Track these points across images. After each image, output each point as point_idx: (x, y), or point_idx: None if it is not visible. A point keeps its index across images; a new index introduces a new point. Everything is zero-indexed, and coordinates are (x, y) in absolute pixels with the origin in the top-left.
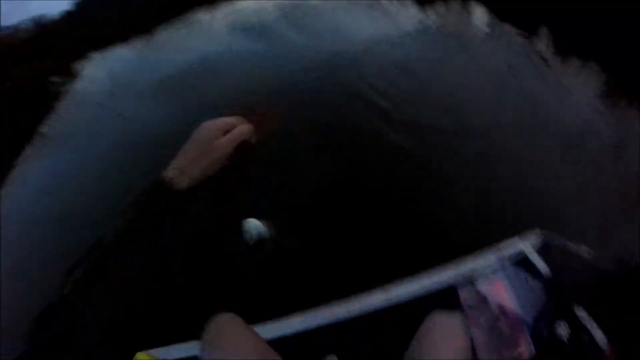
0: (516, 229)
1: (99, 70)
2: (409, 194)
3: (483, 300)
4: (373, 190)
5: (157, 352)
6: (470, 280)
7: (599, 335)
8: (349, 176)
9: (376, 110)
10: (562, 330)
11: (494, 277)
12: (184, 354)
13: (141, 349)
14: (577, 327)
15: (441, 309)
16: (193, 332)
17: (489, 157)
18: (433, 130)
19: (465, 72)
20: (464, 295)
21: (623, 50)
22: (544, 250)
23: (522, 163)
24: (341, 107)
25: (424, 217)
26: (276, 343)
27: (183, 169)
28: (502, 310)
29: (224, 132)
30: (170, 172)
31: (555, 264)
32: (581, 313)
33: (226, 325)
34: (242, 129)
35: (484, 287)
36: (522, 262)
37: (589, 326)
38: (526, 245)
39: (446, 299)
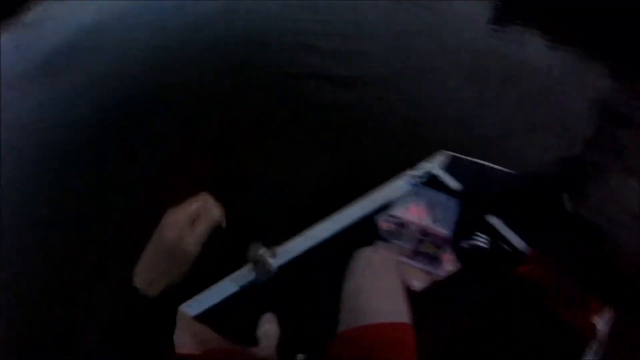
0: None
1: None
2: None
3: (402, 225)
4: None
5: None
6: (386, 208)
7: (515, 239)
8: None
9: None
10: (481, 240)
11: (408, 201)
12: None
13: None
14: (494, 235)
15: (363, 242)
16: None
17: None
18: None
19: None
20: (383, 224)
21: None
22: (451, 169)
23: (437, 91)
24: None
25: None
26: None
27: (151, 281)
28: (423, 231)
29: (191, 222)
30: (138, 283)
31: (464, 181)
32: (495, 222)
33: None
34: (212, 216)
35: (400, 212)
36: (433, 182)
37: (504, 233)
38: (434, 165)
39: (366, 230)
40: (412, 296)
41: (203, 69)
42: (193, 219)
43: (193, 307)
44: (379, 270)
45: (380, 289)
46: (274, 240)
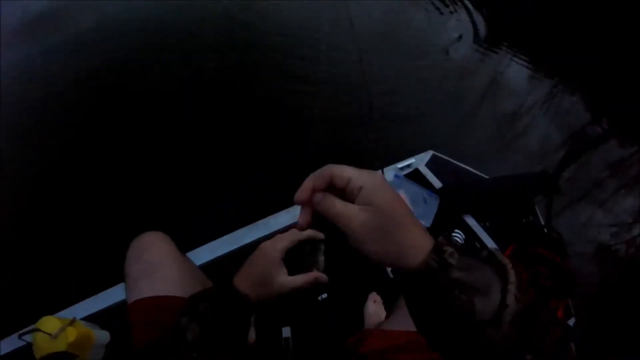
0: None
1: None
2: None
3: None
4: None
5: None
6: None
7: (489, 241)
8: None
9: None
10: (458, 238)
11: None
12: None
13: None
14: (469, 234)
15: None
16: None
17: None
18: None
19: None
20: None
21: None
22: (434, 166)
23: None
24: None
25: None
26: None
27: (253, 292)
28: None
29: (285, 252)
30: (242, 288)
31: (444, 179)
32: (471, 221)
33: (151, 242)
34: (319, 279)
35: None
36: (416, 176)
37: (479, 233)
38: (419, 162)
39: None
40: None
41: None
42: (288, 247)
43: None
44: None
45: None
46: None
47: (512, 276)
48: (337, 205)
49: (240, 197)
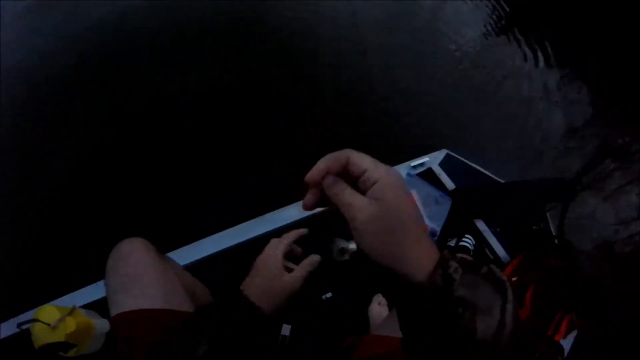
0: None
1: None
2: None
3: None
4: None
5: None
6: None
7: (499, 248)
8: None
9: None
10: (468, 244)
11: None
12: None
13: None
14: (478, 240)
15: None
16: None
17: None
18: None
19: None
20: None
21: None
22: (447, 166)
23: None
24: None
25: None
26: (193, 268)
27: (258, 299)
28: None
29: (286, 254)
30: (250, 296)
31: (458, 180)
32: (482, 226)
33: (129, 252)
34: (312, 260)
35: None
36: (429, 176)
37: (489, 239)
38: (433, 161)
39: None
40: None
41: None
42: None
43: (182, 256)
44: None
45: None
46: None
47: (510, 295)
48: (347, 194)
49: (249, 190)
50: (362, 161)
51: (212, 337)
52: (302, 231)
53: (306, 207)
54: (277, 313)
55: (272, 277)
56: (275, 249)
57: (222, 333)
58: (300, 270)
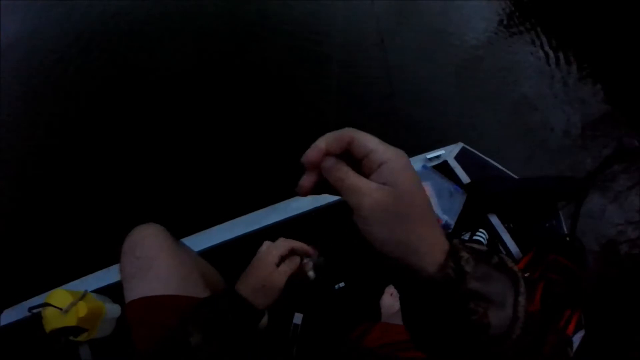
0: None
1: None
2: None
3: None
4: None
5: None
6: None
7: (511, 243)
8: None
9: None
10: (482, 238)
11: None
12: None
13: None
14: (491, 235)
15: None
16: None
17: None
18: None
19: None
20: None
21: None
22: (462, 160)
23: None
24: None
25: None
26: (205, 254)
27: (250, 297)
28: None
29: (282, 257)
30: (244, 294)
31: (472, 175)
32: (495, 221)
33: (143, 237)
34: (296, 261)
35: None
36: (444, 169)
37: (502, 234)
38: (448, 153)
39: None
40: None
41: None
42: (284, 254)
43: (195, 243)
44: None
45: None
46: None
47: (522, 286)
48: (351, 177)
49: (261, 179)
50: (369, 141)
51: (205, 329)
52: (310, 251)
53: (302, 192)
54: (269, 306)
55: (264, 276)
56: (272, 250)
57: (213, 325)
58: (284, 266)
